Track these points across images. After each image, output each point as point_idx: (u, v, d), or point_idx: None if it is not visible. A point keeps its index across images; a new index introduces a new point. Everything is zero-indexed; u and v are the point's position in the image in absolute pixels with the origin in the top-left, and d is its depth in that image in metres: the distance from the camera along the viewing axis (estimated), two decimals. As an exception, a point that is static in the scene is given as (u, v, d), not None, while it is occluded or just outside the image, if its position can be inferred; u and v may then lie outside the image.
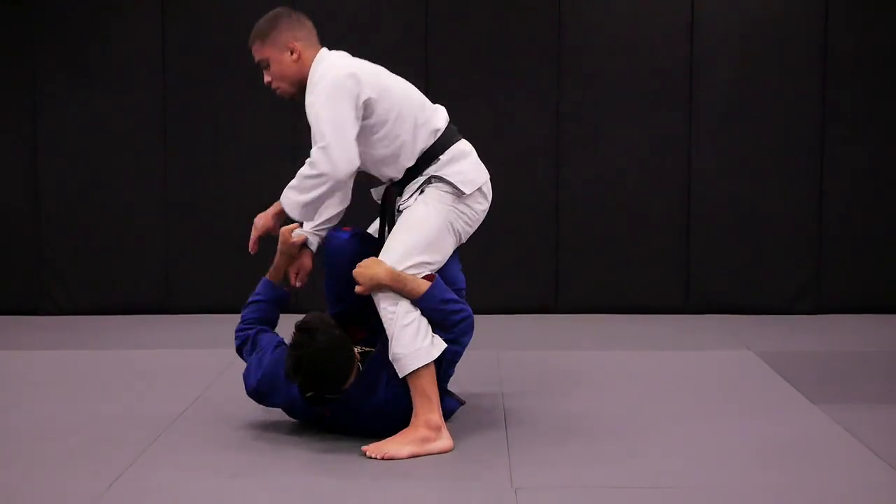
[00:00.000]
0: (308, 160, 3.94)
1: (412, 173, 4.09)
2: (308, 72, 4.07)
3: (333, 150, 3.84)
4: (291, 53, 4.11)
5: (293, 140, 7.12)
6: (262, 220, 4.20)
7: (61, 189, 7.21)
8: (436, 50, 7.13)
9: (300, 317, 3.96)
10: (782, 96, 7.11)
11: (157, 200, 7.21)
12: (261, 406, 4.32)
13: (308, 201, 3.93)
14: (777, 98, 7.11)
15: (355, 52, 7.28)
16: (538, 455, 3.93)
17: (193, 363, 5.52)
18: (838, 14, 7.08)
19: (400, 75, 7.42)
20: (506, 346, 6.08)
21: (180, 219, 7.19)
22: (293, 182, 3.98)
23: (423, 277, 3.94)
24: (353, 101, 3.90)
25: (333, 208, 4.24)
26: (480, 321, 6.69)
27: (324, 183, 3.88)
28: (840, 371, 5.46)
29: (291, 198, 3.96)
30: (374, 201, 4.42)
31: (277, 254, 4.37)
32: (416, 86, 7.35)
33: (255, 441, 4.12)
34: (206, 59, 7.15)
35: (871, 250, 7.20)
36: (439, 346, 3.88)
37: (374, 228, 4.39)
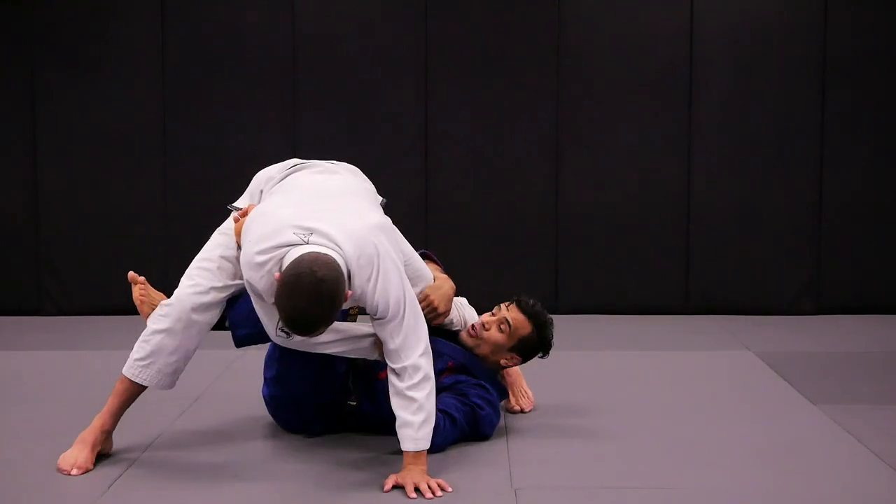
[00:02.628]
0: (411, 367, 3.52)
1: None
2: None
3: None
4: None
5: (293, 141, 7.13)
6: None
7: (61, 190, 7.21)
8: (435, 50, 7.13)
9: None
10: (782, 96, 7.11)
11: (156, 201, 7.21)
12: (260, 404, 4.32)
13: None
14: (777, 98, 7.12)
15: (355, 53, 7.31)
16: (538, 455, 3.93)
17: (193, 363, 5.49)
18: (838, 15, 7.08)
19: (399, 76, 7.42)
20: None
21: (180, 219, 7.19)
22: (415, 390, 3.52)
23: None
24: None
25: None
26: (480, 321, 6.75)
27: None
28: (840, 371, 5.46)
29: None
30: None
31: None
32: (415, 87, 7.39)
33: (256, 441, 4.12)
34: (206, 59, 7.15)
35: (871, 251, 7.20)
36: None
37: None
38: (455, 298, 4.14)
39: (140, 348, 3.80)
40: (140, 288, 3.95)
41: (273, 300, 3.37)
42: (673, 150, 7.17)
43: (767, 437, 4.17)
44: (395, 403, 3.49)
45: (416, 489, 3.40)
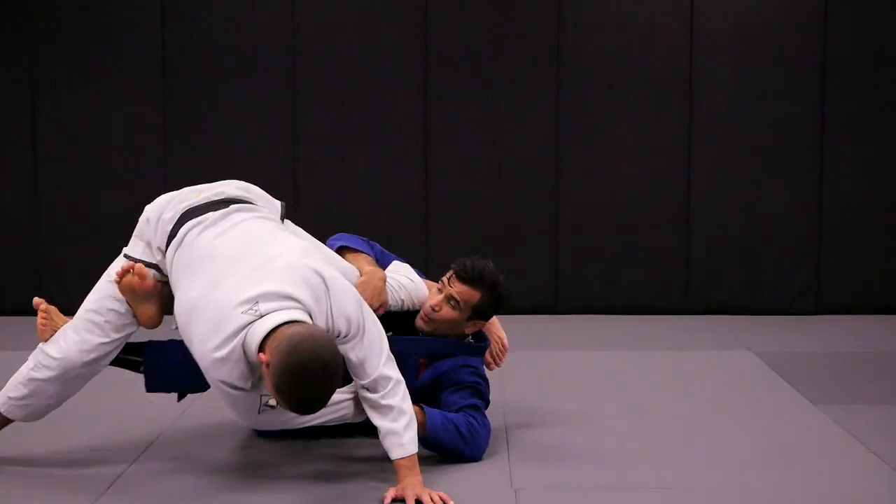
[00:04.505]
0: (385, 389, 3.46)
1: None
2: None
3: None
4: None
5: (293, 140, 7.13)
6: None
7: (61, 190, 7.21)
8: (435, 52, 7.13)
9: None
10: (782, 97, 7.11)
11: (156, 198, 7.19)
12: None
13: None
14: (777, 99, 7.11)
15: (355, 54, 7.30)
16: (538, 456, 3.92)
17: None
18: (838, 15, 7.08)
19: (399, 76, 7.42)
20: (506, 346, 6.07)
21: (180, 219, 7.18)
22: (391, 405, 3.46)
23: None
24: None
25: None
26: (480, 321, 6.75)
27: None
28: (840, 372, 5.46)
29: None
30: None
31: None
32: (415, 87, 7.39)
33: (260, 439, 4.12)
34: (206, 60, 7.15)
35: (871, 251, 7.20)
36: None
37: None
38: (397, 276, 3.96)
39: (17, 389, 3.68)
40: (42, 314, 3.71)
41: (255, 385, 3.25)
42: (673, 150, 7.17)
43: (767, 438, 4.17)
44: (374, 416, 3.42)
45: (418, 501, 3.35)
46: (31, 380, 3.66)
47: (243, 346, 3.19)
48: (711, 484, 3.61)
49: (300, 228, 3.82)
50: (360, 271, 3.85)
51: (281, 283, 3.25)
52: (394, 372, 3.43)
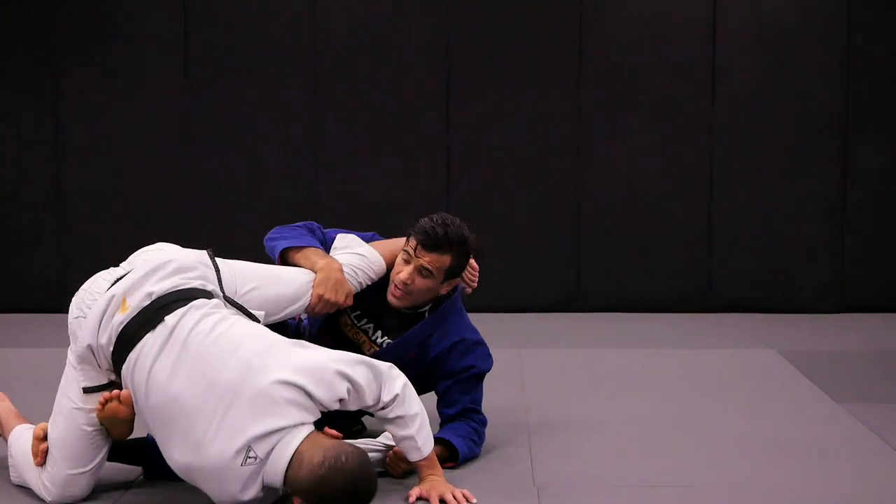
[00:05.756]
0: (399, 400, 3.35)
1: None
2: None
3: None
4: None
5: (314, 137, 7.14)
6: None
7: (84, 186, 7.24)
8: (457, 47, 7.12)
9: None
10: (805, 91, 7.08)
11: (178, 197, 7.23)
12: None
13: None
14: (799, 93, 7.08)
15: (377, 49, 7.30)
16: (560, 453, 3.92)
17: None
18: (861, 10, 7.03)
19: (421, 72, 7.44)
20: (527, 343, 6.07)
21: (202, 216, 7.21)
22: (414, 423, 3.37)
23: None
24: None
25: None
26: (502, 319, 6.76)
27: None
28: (863, 369, 5.44)
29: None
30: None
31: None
32: (436, 84, 7.40)
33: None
34: (228, 58, 7.17)
35: (895, 248, 7.15)
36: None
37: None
38: (349, 258, 3.77)
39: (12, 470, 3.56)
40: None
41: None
42: (695, 146, 7.15)
43: (790, 435, 4.15)
44: (390, 429, 3.38)
45: (442, 501, 3.34)
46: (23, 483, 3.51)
47: (264, 482, 3.13)
48: (733, 482, 3.60)
49: (237, 265, 3.61)
50: (313, 268, 3.68)
51: (263, 420, 3.08)
52: (397, 385, 3.31)
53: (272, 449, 3.09)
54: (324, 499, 3.02)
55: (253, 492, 3.13)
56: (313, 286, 3.63)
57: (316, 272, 3.67)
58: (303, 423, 3.13)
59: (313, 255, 3.72)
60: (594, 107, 7.14)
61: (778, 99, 7.10)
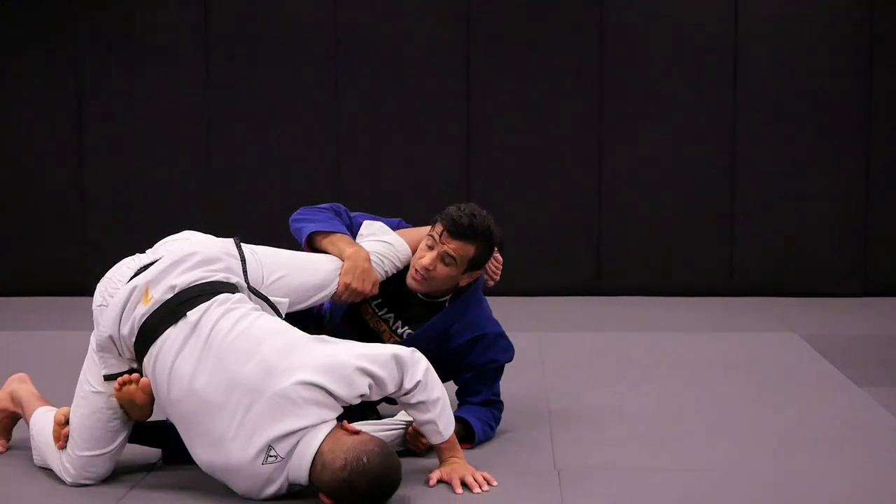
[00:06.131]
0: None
1: None
2: None
3: None
4: None
5: (335, 123, 7.14)
6: None
7: (106, 172, 7.28)
8: (478, 33, 7.11)
9: None
10: (827, 74, 7.03)
11: (200, 181, 7.25)
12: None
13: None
14: (822, 76, 7.04)
15: (397, 36, 7.30)
16: (581, 436, 3.92)
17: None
18: (886, -7, 6.99)
19: (441, 60, 7.42)
20: (548, 328, 6.07)
21: (223, 201, 7.23)
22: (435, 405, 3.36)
23: None
24: None
25: None
26: (523, 303, 6.76)
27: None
28: (887, 354, 5.40)
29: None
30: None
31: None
32: (458, 69, 7.39)
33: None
34: (249, 43, 7.18)
35: (919, 232, 7.12)
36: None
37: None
38: (375, 246, 3.73)
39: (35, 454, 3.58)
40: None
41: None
42: (717, 129, 7.12)
43: (812, 420, 4.13)
44: (412, 413, 3.37)
45: (463, 483, 3.34)
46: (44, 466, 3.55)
47: (290, 480, 3.16)
48: (754, 466, 3.59)
49: (263, 252, 3.58)
50: (341, 255, 3.65)
51: (283, 420, 3.10)
52: (419, 371, 3.29)
53: (294, 448, 3.11)
54: (350, 500, 3.07)
55: (275, 488, 3.16)
56: (340, 274, 3.62)
57: (343, 260, 3.65)
58: (323, 422, 3.14)
59: (340, 241, 3.69)
60: (616, 93, 7.11)
61: (800, 84, 7.05)
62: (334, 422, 3.18)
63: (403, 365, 3.26)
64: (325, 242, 3.70)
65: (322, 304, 3.85)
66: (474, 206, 3.74)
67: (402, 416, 3.63)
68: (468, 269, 3.72)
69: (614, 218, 7.19)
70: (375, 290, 3.68)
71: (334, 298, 3.66)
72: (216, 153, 7.24)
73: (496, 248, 3.83)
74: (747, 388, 4.66)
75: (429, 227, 3.74)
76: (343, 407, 3.22)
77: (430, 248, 3.67)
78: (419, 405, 3.31)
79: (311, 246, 3.74)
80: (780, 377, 4.91)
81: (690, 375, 4.92)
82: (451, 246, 3.63)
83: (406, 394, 3.29)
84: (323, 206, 3.86)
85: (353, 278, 3.60)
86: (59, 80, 7.22)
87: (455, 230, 3.63)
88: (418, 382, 3.27)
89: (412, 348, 3.34)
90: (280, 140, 7.21)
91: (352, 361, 3.20)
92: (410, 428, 3.60)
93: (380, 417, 3.83)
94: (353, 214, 3.89)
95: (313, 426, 3.13)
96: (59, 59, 7.21)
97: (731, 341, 5.74)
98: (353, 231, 3.82)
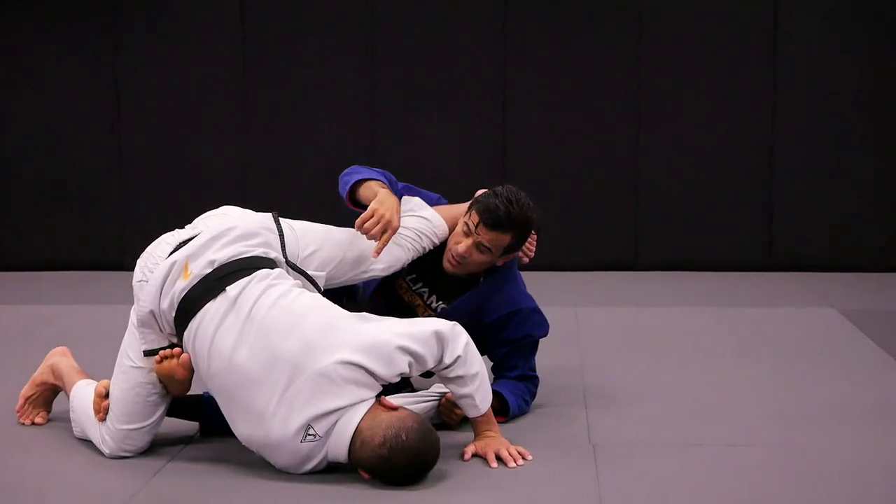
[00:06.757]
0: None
1: None
2: None
3: None
4: None
5: (371, 97, 7.14)
6: None
7: (143, 147, 7.31)
8: (514, 7, 7.06)
9: None
10: (869, 48, 6.95)
11: (236, 157, 7.28)
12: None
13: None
14: (864, 50, 6.95)
15: (432, 13, 7.25)
16: (616, 411, 3.91)
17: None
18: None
19: (477, 37, 7.33)
20: (584, 302, 6.06)
21: (259, 174, 7.25)
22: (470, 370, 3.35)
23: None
24: None
25: None
26: (559, 277, 6.75)
27: None
28: (927, 330, 5.36)
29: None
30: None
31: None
32: (494, 47, 7.34)
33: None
34: (285, 17, 7.17)
35: (961, 206, 7.04)
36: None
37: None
38: (413, 223, 3.69)
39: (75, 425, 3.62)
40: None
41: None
42: (756, 103, 7.05)
43: (850, 397, 4.10)
44: (449, 387, 3.38)
45: (498, 457, 3.36)
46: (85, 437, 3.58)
47: (328, 458, 3.19)
48: (789, 442, 3.57)
49: (300, 226, 3.59)
50: (374, 195, 3.55)
51: (322, 399, 3.12)
52: (459, 345, 3.29)
53: (332, 427, 3.14)
54: (389, 476, 3.12)
55: (313, 464, 3.19)
56: (372, 203, 3.51)
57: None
58: (362, 401, 3.16)
59: (376, 185, 3.63)
60: (653, 65, 7.06)
61: (841, 58, 6.97)
62: (373, 400, 3.19)
63: (444, 340, 3.27)
64: (363, 187, 3.64)
65: None
66: (511, 190, 3.69)
67: (437, 388, 3.65)
68: (504, 254, 3.72)
69: (651, 192, 7.16)
70: (398, 224, 3.54)
71: (357, 225, 3.53)
72: (252, 126, 7.25)
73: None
74: (784, 364, 4.64)
75: (466, 205, 3.73)
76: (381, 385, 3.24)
77: (466, 234, 3.65)
78: (457, 379, 3.32)
79: (351, 196, 3.68)
80: (818, 353, 4.88)
81: (727, 350, 4.90)
82: (487, 237, 3.61)
83: (445, 368, 3.30)
84: (374, 168, 3.83)
85: (383, 207, 3.51)
86: (97, 57, 7.26)
87: (490, 222, 3.60)
88: (458, 357, 3.28)
89: (453, 322, 3.34)
90: (316, 115, 7.21)
91: (392, 340, 3.20)
92: (444, 399, 3.62)
93: (414, 390, 3.84)
94: (400, 186, 3.86)
95: (352, 405, 3.15)
96: (96, 35, 7.24)
97: (769, 316, 5.71)
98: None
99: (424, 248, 3.75)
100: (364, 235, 3.53)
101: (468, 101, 7.16)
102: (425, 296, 3.85)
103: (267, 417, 3.14)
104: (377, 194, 3.56)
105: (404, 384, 3.92)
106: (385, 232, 3.50)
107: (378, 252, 3.53)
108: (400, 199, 3.76)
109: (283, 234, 3.50)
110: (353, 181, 3.67)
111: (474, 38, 7.12)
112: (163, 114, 7.29)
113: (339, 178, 3.78)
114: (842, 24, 6.95)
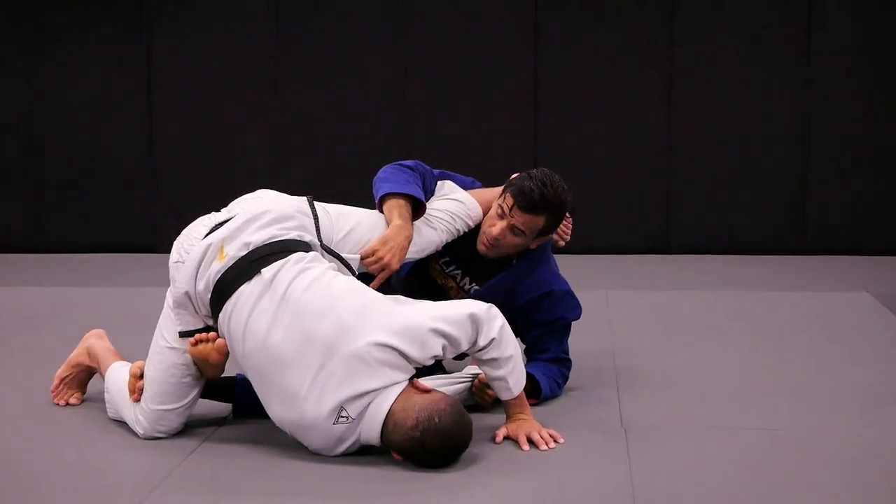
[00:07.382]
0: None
1: None
2: None
3: None
4: None
5: (403, 84, 7.14)
6: None
7: (175, 132, 7.36)
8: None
9: None
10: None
11: (267, 142, 7.30)
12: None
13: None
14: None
15: (465, -9, 7.15)
16: (647, 395, 3.91)
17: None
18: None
19: (508, 20, 7.31)
20: (616, 285, 6.05)
21: (290, 157, 7.27)
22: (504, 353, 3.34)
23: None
24: None
25: None
26: (591, 260, 6.74)
27: None
28: (962, 314, 5.31)
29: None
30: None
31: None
32: (526, 22, 7.32)
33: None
34: (317, 2, 7.18)
35: None
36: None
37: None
38: (447, 205, 3.71)
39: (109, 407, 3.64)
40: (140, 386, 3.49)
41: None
42: (789, 86, 7.00)
43: (883, 382, 4.07)
44: (483, 369, 3.38)
45: (530, 440, 3.35)
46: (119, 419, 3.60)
47: (361, 440, 3.19)
48: (820, 426, 3.55)
49: (335, 210, 3.59)
50: (388, 223, 3.57)
51: (355, 381, 3.13)
52: (494, 328, 3.28)
53: (365, 409, 3.14)
54: (421, 458, 3.12)
55: (345, 447, 3.20)
56: (375, 243, 3.53)
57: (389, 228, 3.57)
58: (395, 383, 3.17)
59: (396, 209, 3.60)
60: (687, 47, 7.02)
61: (877, 36, 6.91)
62: (406, 382, 3.20)
63: (478, 323, 3.27)
64: (387, 205, 3.63)
65: None
66: (546, 173, 3.69)
67: (469, 370, 3.65)
68: (538, 237, 3.72)
69: (685, 175, 7.13)
70: (396, 267, 3.55)
71: (361, 256, 3.55)
72: (283, 110, 7.28)
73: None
74: (817, 348, 4.61)
75: (500, 188, 3.73)
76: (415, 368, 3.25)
77: (500, 217, 3.65)
78: (491, 361, 3.32)
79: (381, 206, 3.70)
80: (850, 337, 4.85)
81: (760, 334, 4.88)
82: (521, 220, 3.62)
83: (480, 350, 3.30)
84: (407, 162, 3.82)
85: (383, 247, 3.52)
86: (130, 39, 7.29)
87: (525, 205, 3.60)
88: (492, 340, 3.28)
89: (489, 304, 3.34)
90: (348, 100, 7.22)
91: (427, 323, 3.21)
92: (477, 380, 3.62)
93: (445, 372, 3.85)
94: (435, 172, 3.86)
95: (385, 387, 3.15)
96: (129, 17, 7.28)
97: (802, 300, 5.68)
98: (427, 193, 3.76)
99: (458, 231, 3.75)
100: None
101: (500, 85, 7.14)
102: (458, 278, 3.86)
103: (300, 399, 3.16)
104: (390, 222, 3.56)
105: (436, 366, 3.93)
106: (380, 269, 3.53)
107: (374, 287, 3.49)
108: (434, 185, 3.79)
109: (317, 218, 3.51)
110: (382, 192, 3.65)
111: (506, 23, 7.11)
112: (196, 97, 7.32)
113: (373, 181, 3.75)
114: (879, 2, 6.88)
